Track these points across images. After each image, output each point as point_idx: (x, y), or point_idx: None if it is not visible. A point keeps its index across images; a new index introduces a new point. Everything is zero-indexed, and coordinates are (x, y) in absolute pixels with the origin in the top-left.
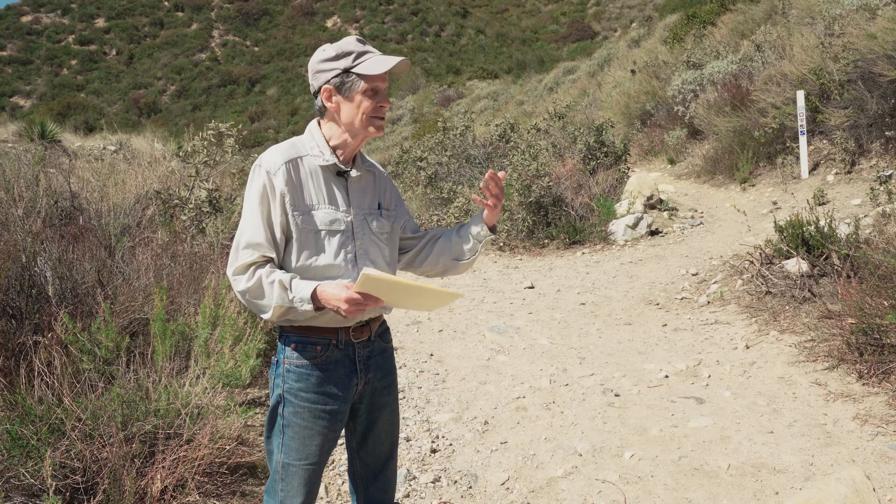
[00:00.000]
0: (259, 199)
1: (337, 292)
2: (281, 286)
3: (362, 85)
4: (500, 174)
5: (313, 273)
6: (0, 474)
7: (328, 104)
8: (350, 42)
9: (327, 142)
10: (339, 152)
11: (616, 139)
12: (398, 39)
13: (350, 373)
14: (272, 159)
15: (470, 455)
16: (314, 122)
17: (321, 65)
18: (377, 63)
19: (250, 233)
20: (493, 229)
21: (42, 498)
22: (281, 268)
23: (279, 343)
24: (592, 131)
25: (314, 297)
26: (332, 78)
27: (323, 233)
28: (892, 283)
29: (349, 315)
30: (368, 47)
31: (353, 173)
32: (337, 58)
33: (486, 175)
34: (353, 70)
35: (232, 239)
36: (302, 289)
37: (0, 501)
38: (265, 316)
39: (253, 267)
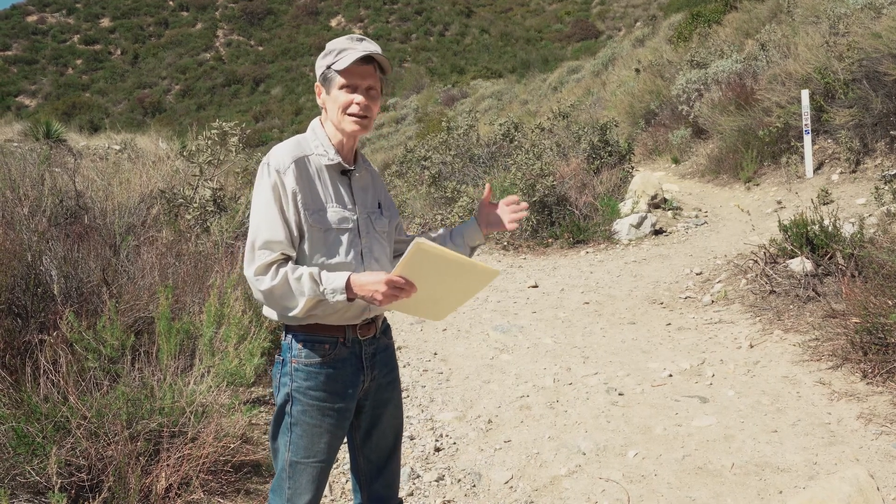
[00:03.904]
0: (272, 198)
1: (375, 276)
2: (311, 279)
3: (339, 80)
4: (514, 198)
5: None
6: (6, 472)
7: (318, 100)
8: (341, 39)
9: (330, 140)
10: (338, 150)
11: (620, 138)
12: (402, 39)
13: (357, 370)
14: (281, 158)
15: (473, 454)
16: (316, 121)
17: (317, 63)
18: (347, 58)
19: (266, 231)
20: (485, 236)
21: (47, 495)
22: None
23: (284, 342)
24: (596, 131)
25: (347, 287)
26: (320, 75)
27: (333, 231)
28: None
29: (384, 301)
30: (355, 44)
31: (356, 172)
32: (325, 55)
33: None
34: (331, 66)
35: (237, 238)
36: (334, 280)
37: (6, 499)
38: (292, 313)
39: (275, 265)
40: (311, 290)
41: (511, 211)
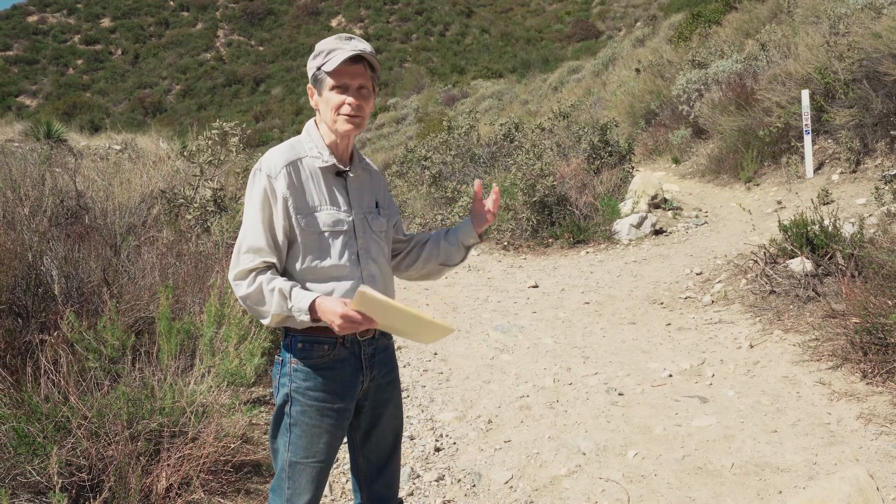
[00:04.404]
0: (261, 204)
1: (334, 307)
2: (281, 295)
3: (329, 81)
4: (495, 188)
5: (318, 274)
6: (7, 472)
7: (311, 102)
8: (329, 40)
9: (324, 141)
10: (332, 151)
11: (620, 138)
12: (403, 39)
13: (356, 371)
14: (272, 163)
15: (474, 454)
16: (311, 122)
17: (308, 64)
18: (336, 58)
19: (252, 237)
20: (480, 235)
21: (48, 495)
22: (285, 271)
23: (283, 342)
24: (597, 131)
25: (312, 309)
26: (311, 77)
27: (326, 234)
28: None
29: (342, 331)
30: (343, 44)
31: (352, 173)
32: (314, 57)
33: (493, 190)
34: (321, 67)
35: (237, 238)
36: (301, 299)
37: (7, 499)
38: (264, 321)
39: (254, 273)
40: (279, 306)
41: (493, 203)
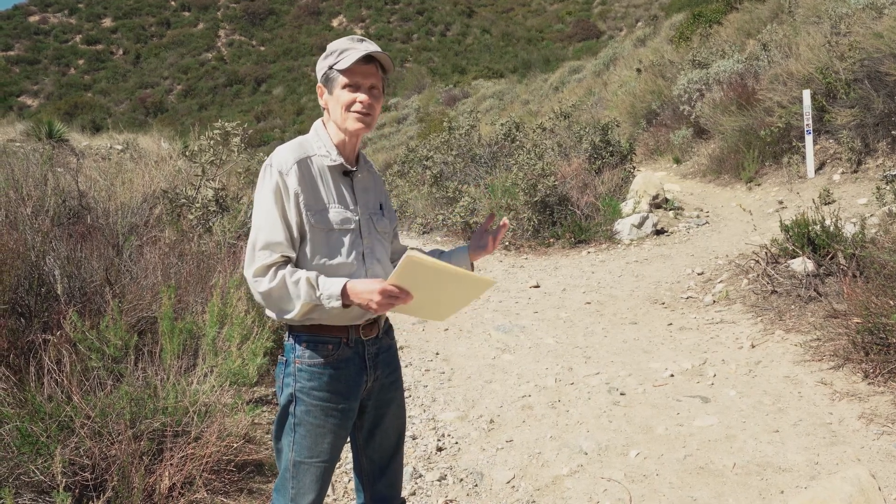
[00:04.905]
0: (273, 199)
1: (370, 286)
2: (308, 284)
3: (341, 79)
4: (504, 222)
5: (326, 272)
6: (10, 471)
7: (321, 101)
8: (342, 40)
9: (332, 140)
10: (340, 150)
11: (622, 138)
12: (403, 39)
13: (360, 370)
14: (283, 159)
15: (476, 453)
16: (319, 122)
17: (318, 64)
18: (350, 57)
19: (268, 233)
20: (472, 265)
21: (52, 495)
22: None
23: (287, 342)
24: (598, 131)
25: (343, 294)
26: (321, 76)
27: (336, 232)
28: None
29: (380, 310)
30: (356, 44)
31: (359, 174)
32: (326, 56)
33: (501, 221)
34: (333, 66)
35: (239, 238)
36: (330, 285)
37: (11, 498)
38: (288, 315)
39: (274, 268)
40: (308, 295)
41: (498, 236)
